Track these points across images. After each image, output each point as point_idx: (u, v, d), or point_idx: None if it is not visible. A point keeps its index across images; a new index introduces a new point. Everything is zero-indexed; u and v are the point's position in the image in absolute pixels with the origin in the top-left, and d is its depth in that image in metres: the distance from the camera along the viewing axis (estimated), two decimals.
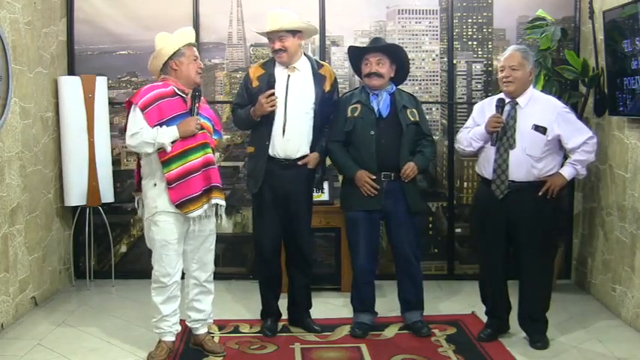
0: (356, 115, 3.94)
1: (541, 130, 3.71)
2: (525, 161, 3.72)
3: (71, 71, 5.25)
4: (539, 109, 3.75)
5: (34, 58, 4.62)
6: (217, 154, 3.84)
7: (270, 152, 3.89)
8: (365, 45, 4.18)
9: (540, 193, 3.72)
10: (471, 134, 3.89)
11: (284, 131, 3.87)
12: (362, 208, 3.95)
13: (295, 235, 4.03)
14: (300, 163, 3.93)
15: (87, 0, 5.24)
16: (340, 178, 5.25)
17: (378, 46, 3.98)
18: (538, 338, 3.86)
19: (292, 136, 3.89)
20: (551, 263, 4.00)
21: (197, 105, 3.53)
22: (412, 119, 3.96)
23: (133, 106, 3.48)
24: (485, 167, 3.85)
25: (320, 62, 4.11)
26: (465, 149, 3.95)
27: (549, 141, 3.71)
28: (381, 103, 3.95)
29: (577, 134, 3.73)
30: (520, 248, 3.83)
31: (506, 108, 3.79)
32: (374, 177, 3.89)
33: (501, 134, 3.76)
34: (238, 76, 5.22)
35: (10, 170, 4.25)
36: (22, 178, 4.40)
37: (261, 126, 3.90)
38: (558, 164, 3.81)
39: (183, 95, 3.55)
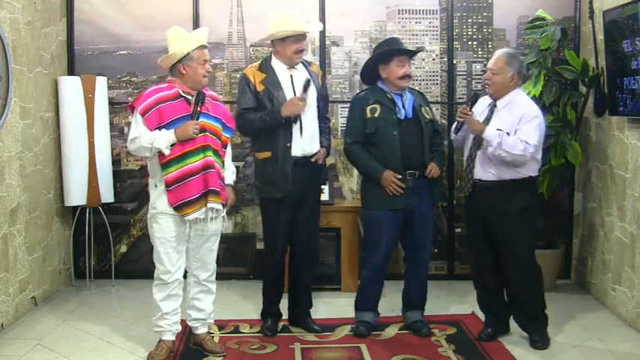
0: (376, 115, 3.91)
1: None
2: (487, 163, 3.75)
3: (71, 71, 5.25)
4: (512, 113, 3.73)
5: (34, 58, 4.62)
6: (229, 149, 3.79)
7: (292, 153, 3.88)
8: (382, 44, 4.10)
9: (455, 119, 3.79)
10: (453, 127, 4.04)
11: (302, 130, 3.87)
12: (388, 207, 3.92)
13: (305, 234, 4.02)
14: (312, 160, 3.94)
15: (87, 0, 5.24)
16: (340, 178, 5.31)
17: (418, 49, 4.15)
18: (537, 338, 3.85)
19: (308, 134, 3.90)
20: (533, 262, 3.90)
21: (199, 109, 3.51)
22: (428, 117, 4.00)
23: (134, 110, 3.50)
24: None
25: (307, 61, 4.10)
26: (453, 139, 4.11)
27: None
28: (406, 104, 3.96)
29: (523, 134, 3.63)
30: (497, 248, 3.83)
31: (485, 109, 3.84)
32: (400, 176, 3.88)
33: (475, 135, 3.81)
34: (238, 75, 5.21)
35: (10, 170, 4.25)
36: (22, 178, 4.40)
37: (276, 129, 3.85)
38: (528, 169, 3.75)
39: (188, 97, 3.55)
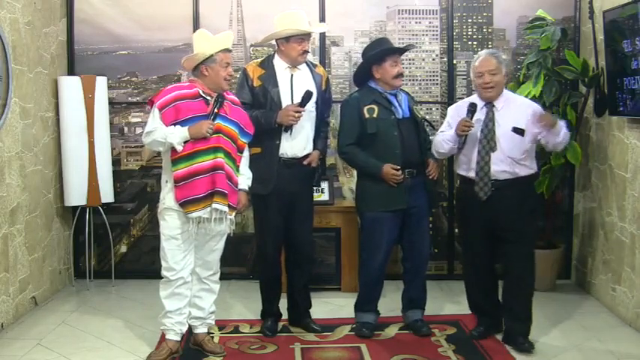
0: (375, 116, 3.91)
1: (520, 132, 3.74)
2: (507, 162, 3.75)
3: (71, 71, 5.25)
4: (516, 110, 3.78)
5: (34, 58, 4.62)
6: (247, 153, 3.79)
7: (280, 151, 3.89)
8: (373, 45, 4.10)
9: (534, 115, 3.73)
10: (443, 137, 3.88)
11: (291, 130, 3.87)
12: (387, 209, 3.91)
13: (298, 235, 4.02)
14: (305, 162, 3.94)
15: (87, 0, 5.25)
16: (340, 178, 5.31)
17: (409, 46, 4.17)
18: (523, 340, 3.80)
19: (299, 135, 3.90)
20: (533, 262, 3.92)
21: (217, 110, 3.54)
22: (419, 115, 4.03)
23: (153, 105, 3.55)
24: (466, 169, 3.86)
25: (313, 62, 4.12)
26: (438, 151, 3.94)
27: (529, 141, 3.77)
28: (402, 103, 3.97)
29: None
30: (505, 245, 3.82)
31: (483, 111, 3.80)
32: (398, 167, 3.85)
33: (481, 137, 3.77)
34: (238, 76, 5.21)
35: (10, 170, 4.25)
36: (22, 178, 4.40)
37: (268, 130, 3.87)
38: (535, 165, 3.91)
39: (208, 98, 3.57)
